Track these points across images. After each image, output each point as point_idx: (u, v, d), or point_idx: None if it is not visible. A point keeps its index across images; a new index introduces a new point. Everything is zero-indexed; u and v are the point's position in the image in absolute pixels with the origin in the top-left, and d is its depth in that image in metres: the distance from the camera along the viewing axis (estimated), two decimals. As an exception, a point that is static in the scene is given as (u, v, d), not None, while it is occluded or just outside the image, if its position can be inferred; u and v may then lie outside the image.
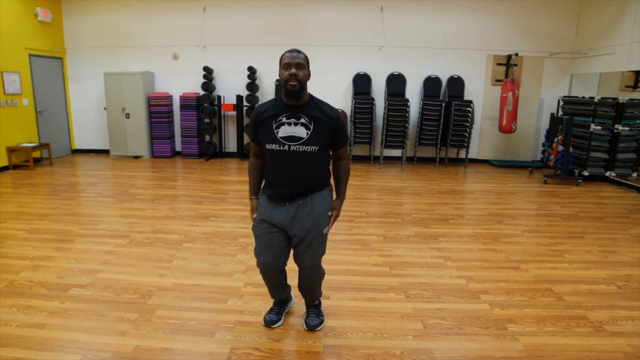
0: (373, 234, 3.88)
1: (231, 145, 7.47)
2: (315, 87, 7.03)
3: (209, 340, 2.23)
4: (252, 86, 6.89)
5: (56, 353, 2.08)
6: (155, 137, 7.18)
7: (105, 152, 7.55)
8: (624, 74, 6.20)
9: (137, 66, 7.18)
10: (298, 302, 2.58)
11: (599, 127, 5.66)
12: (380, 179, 6.15)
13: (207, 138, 7.30)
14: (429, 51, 6.96)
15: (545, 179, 5.99)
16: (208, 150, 7.09)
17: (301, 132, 1.93)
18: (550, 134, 6.21)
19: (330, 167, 2.19)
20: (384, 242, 3.71)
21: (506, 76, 6.64)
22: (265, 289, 2.53)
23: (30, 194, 5.01)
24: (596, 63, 6.40)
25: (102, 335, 2.24)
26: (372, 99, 6.81)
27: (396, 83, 6.99)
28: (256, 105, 6.78)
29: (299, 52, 1.93)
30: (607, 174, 5.85)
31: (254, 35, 7.03)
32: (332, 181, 2.21)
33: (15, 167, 6.33)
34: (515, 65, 6.67)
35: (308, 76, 1.93)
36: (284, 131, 1.93)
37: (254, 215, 2.13)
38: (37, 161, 6.70)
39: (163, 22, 7.04)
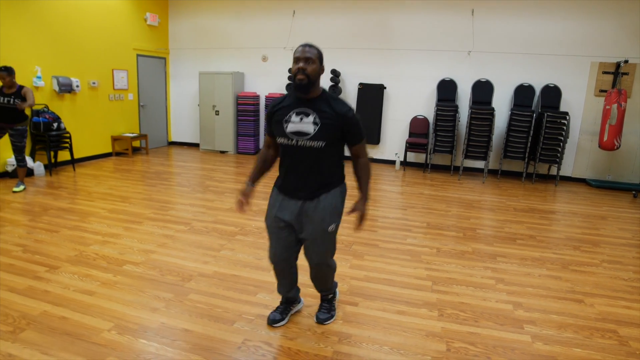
0: (427, 246, 3.69)
1: (307, 145, 7.67)
2: (399, 92, 7.06)
3: (226, 328, 2.33)
4: (335, 88, 7.00)
5: (94, 318, 2.35)
6: (241, 134, 7.68)
7: (195, 145, 8.28)
8: None
9: (229, 66, 7.75)
10: (312, 303, 2.57)
11: None
12: (456, 190, 5.81)
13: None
14: (521, 57, 6.39)
15: (634, 194, 5.10)
16: (285, 149, 7.38)
17: (309, 127, 1.95)
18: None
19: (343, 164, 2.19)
20: (435, 255, 3.51)
21: (613, 86, 5.81)
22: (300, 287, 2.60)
23: (122, 178, 5.70)
24: None
25: (137, 309, 2.47)
26: (456, 106, 6.47)
27: (482, 90, 6.54)
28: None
29: (311, 46, 1.95)
30: None
31: (340, 38, 7.15)
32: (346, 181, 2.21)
33: (118, 154, 7.26)
34: (626, 74, 5.79)
35: (318, 71, 1.94)
36: (292, 126, 1.97)
37: (240, 198, 2.17)
38: (136, 150, 7.61)
39: (254, 25, 7.51)
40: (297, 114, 1.97)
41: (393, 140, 7.32)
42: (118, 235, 3.64)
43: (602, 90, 6.07)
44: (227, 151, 7.78)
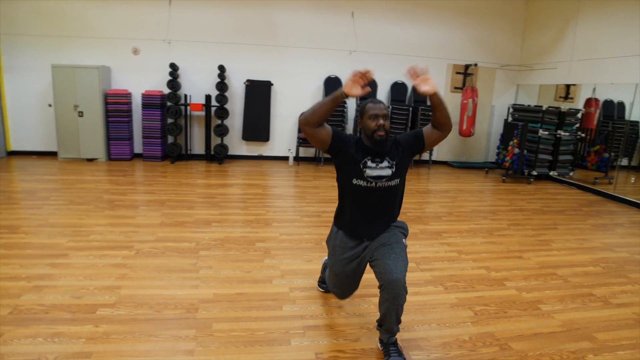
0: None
1: (197, 147, 7.14)
2: (287, 88, 7.17)
3: (289, 349, 2.19)
4: (222, 86, 6.67)
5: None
6: (113, 137, 6.61)
7: (51, 154, 6.76)
8: (558, 86, 7.09)
9: (91, 59, 6.53)
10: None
11: (546, 132, 6.41)
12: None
13: (171, 139, 6.90)
14: (396, 57, 7.30)
15: (504, 178, 6.63)
16: (173, 152, 6.70)
17: (387, 171, 2.08)
18: (504, 138, 6.87)
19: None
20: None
21: (464, 85, 7.22)
22: (315, 292, 2.77)
23: (-16, 202, 4.36)
24: (539, 76, 7.23)
25: (168, 357, 2.08)
26: (344, 102, 6.98)
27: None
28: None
29: (381, 102, 2.09)
30: (551, 173, 6.65)
31: (224, 32, 6.81)
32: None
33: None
34: (472, 74, 7.27)
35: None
36: (370, 172, 2.06)
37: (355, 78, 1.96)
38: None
39: (121, 12, 6.51)
40: (372, 161, 2.07)
41: (283, 136, 7.44)
42: (49, 275, 2.86)
43: (456, 88, 7.46)
44: (96, 158, 6.60)
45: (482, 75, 7.59)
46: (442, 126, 2.10)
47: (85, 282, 2.80)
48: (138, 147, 6.93)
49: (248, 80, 7.01)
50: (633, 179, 5.85)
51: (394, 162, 2.08)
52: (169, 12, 6.60)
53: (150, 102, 6.54)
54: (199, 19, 6.71)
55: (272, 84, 7.12)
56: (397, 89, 7.33)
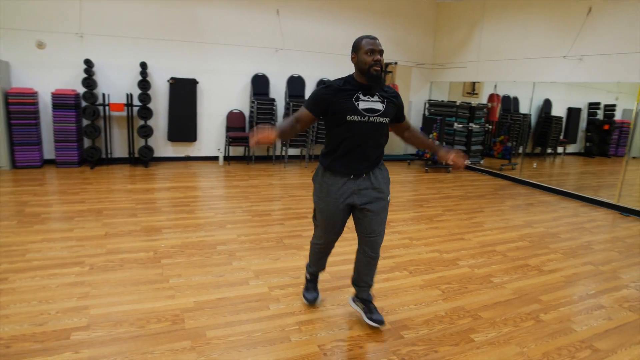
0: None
1: (117, 150, 6.59)
2: (213, 87, 6.99)
3: (291, 345, 2.24)
4: (145, 84, 6.24)
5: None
6: (18, 143, 5.80)
7: None
8: (465, 83, 7.94)
9: (-20, 54, 5.65)
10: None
11: (460, 125, 7.15)
12: (300, 176, 6.41)
13: (89, 143, 6.27)
14: (321, 55, 7.50)
15: (426, 169, 7.25)
16: (92, 156, 6.10)
17: (378, 105, 2.16)
18: (423, 131, 7.49)
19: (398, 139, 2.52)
20: (347, 231, 4.05)
21: (384, 82, 7.70)
22: (294, 289, 2.83)
23: None
24: (451, 74, 8.00)
25: (178, 368, 2.01)
26: (273, 100, 6.99)
27: (297, 85, 7.33)
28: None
29: (377, 38, 2.17)
30: (465, 162, 7.44)
31: (143, 27, 6.36)
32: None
33: None
34: (391, 72, 7.78)
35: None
36: (364, 104, 2.13)
37: (263, 133, 1.99)
38: None
39: (22, 1, 5.71)
40: (364, 94, 2.14)
41: (210, 136, 7.22)
42: (-4, 303, 2.51)
43: (378, 85, 7.89)
44: (-3, 167, 5.75)
45: (400, 73, 8.16)
46: (408, 141, 2.51)
47: (42, 306, 2.51)
48: (49, 153, 6.18)
49: (172, 78, 6.66)
50: (535, 164, 6.83)
51: (385, 99, 2.18)
52: (80, 3, 5.97)
53: (63, 102, 5.87)
54: (116, 12, 6.18)
55: (197, 82, 6.86)
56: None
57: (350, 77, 2.21)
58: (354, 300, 2.53)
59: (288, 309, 2.59)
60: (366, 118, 2.13)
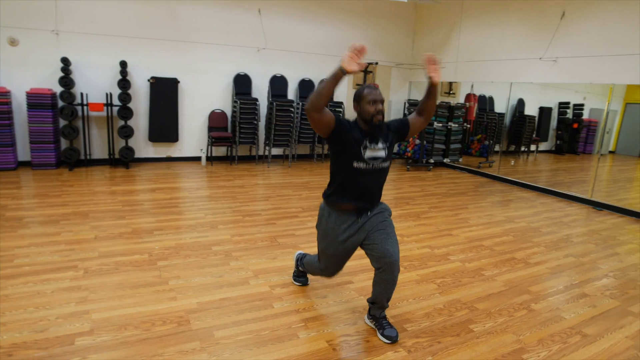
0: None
1: (96, 151, 6.41)
2: (195, 86, 6.93)
3: (301, 342, 2.28)
4: (125, 83, 6.10)
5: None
6: (-9, 144, 5.57)
7: None
8: (443, 82, 8.15)
9: (-52, 52, 5.38)
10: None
11: (440, 125, 7.35)
12: (285, 176, 6.42)
13: (66, 144, 6.07)
14: (303, 55, 7.53)
15: (408, 167, 7.41)
16: (71, 158, 5.91)
17: (381, 153, 2.27)
18: (404, 130, 7.65)
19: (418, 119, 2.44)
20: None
21: (364, 81, 7.80)
22: (295, 287, 2.94)
23: None
24: (428, 74, 8.17)
25: (193, 366, 2.02)
26: (256, 100, 6.97)
27: (279, 84, 7.33)
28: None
29: (377, 88, 2.27)
30: (445, 160, 7.65)
31: (123, 25, 6.20)
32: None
33: None
34: (371, 72, 7.89)
35: None
36: (369, 153, 2.23)
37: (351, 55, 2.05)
38: None
39: (-9, -3, 5.48)
40: (370, 142, 2.23)
41: (192, 136, 7.13)
42: (-9, 310, 2.43)
43: (357, 84, 8.00)
44: (-33, 170, 5.49)
45: (380, 73, 8.30)
46: (428, 113, 2.41)
47: (40, 312, 2.45)
48: (24, 155, 5.95)
49: (153, 78, 6.54)
50: (512, 161, 7.11)
51: (387, 144, 2.28)
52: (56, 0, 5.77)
53: (38, 101, 5.67)
54: (94, 9, 6.01)
55: (178, 82, 6.76)
56: (305, 85, 7.58)
57: (355, 123, 2.27)
58: (367, 318, 2.53)
59: (292, 307, 2.63)
60: (370, 165, 2.24)
